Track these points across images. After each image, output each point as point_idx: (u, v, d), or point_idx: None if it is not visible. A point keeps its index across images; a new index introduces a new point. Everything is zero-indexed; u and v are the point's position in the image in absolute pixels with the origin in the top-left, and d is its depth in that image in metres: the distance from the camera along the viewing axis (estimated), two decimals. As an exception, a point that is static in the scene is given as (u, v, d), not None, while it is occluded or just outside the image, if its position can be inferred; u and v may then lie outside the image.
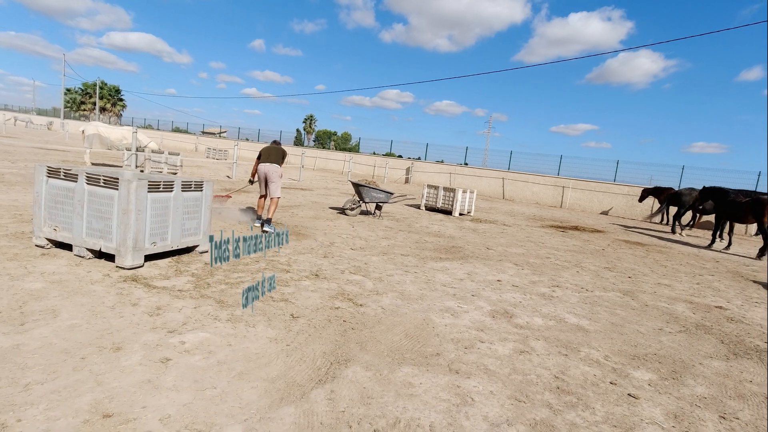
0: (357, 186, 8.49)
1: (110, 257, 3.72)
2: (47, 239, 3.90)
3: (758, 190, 14.46)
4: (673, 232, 12.35)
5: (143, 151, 11.75)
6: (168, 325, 2.67)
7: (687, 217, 14.28)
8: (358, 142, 37.49)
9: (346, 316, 3.20)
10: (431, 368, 2.53)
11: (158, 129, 45.71)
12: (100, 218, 3.62)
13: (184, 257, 4.19)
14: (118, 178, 3.53)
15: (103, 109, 56.46)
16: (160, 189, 3.80)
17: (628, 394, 2.48)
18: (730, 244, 10.05)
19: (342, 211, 8.87)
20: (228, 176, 14.13)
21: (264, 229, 5.86)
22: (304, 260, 4.66)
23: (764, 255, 8.87)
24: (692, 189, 12.68)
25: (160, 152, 12.32)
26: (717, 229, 10.36)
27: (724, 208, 9.84)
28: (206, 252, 4.44)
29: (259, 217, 6.36)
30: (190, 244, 4.25)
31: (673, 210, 14.81)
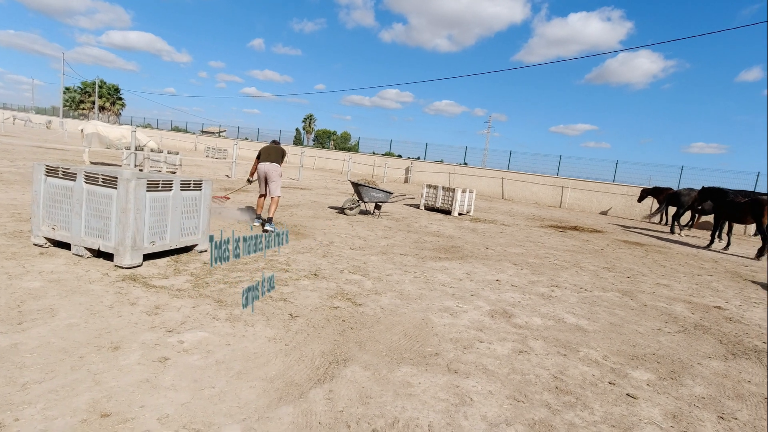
0: (356, 185, 8.49)
1: (109, 256, 3.71)
2: (46, 238, 3.90)
3: (757, 190, 14.50)
4: (672, 232, 12.37)
5: (142, 150, 11.73)
6: (166, 325, 2.66)
7: (686, 217, 14.29)
8: (358, 142, 37.51)
9: (345, 315, 3.20)
10: (430, 368, 2.53)
11: (157, 128, 45.66)
12: (99, 217, 3.62)
13: (183, 256, 4.19)
14: (116, 177, 3.53)
15: (102, 108, 56.39)
16: (159, 188, 3.79)
17: (627, 394, 2.49)
18: (728, 244, 10.06)
19: (341, 210, 8.86)
20: (227, 175, 14.12)
21: (265, 228, 5.86)
22: (303, 260, 4.66)
23: (763, 255, 8.89)
24: (691, 189, 12.70)
25: (159, 151, 12.30)
26: (716, 229, 10.37)
27: (723, 208, 9.86)
28: (205, 251, 4.43)
29: (258, 217, 6.36)
30: (189, 244, 4.24)
31: (672, 210, 14.83)
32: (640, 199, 16.41)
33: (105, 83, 57.48)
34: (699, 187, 11.49)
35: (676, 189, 14.62)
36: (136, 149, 10.96)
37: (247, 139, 36.42)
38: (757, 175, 16.74)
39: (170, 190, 3.91)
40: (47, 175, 3.83)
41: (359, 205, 8.70)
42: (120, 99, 59.52)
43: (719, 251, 9.74)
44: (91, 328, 2.51)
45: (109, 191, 3.56)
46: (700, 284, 5.87)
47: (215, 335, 2.61)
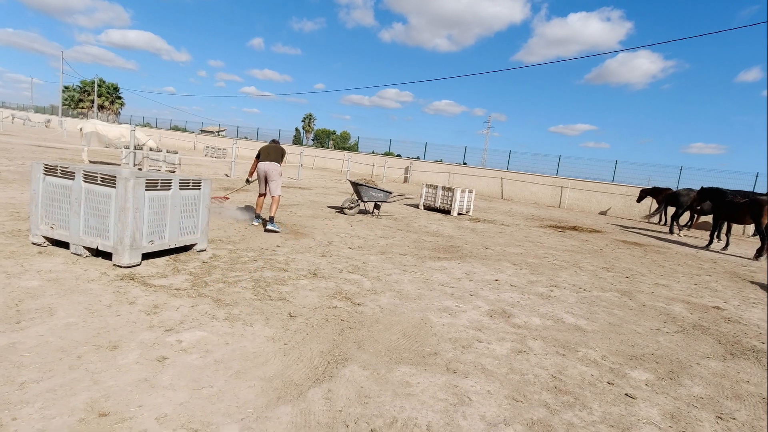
0: (355, 185, 8.49)
1: (107, 255, 3.70)
2: (44, 237, 3.89)
3: (756, 190, 14.51)
4: (671, 232, 12.38)
5: (141, 149, 11.72)
6: (165, 324, 2.66)
7: (685, 217, 14.31)
8: (357, 142, 37.47)
9: (344, 315, 3.20)
10: (429, 368, 2.52)
11: (157, 127, 45.57)
12: (98, 216, 3.61)
13: (182, 256, 4.18)
14: (115, 176, 3.52)
15: (101, 107, 56.30)
16: (158, 187, 3.78)
17: (626, 394, 2.49)
18: (727, 244, 10.07)
19: (340, 210, 8.86)
20: (226, 175, 14.10)
21: (268, 227, 5.85)
22: (302, 259, 4.66)
23: (761, 255, 8.90)
24: (690, 189, 12.71)
25: (159, 150, 12.28)
26: (715, 229, 10.38)
27: (721, 208, 9.87)
28: (204, 250, 4.43)
29: (257, 216, 6.35)
30: (188, 243, 4.24)
31: (671, 210, 14.85)
32: (639, 200, 16.43)
33: (104, 82, 57.41)
34: (698, 188, 11.50)
35: (675, 189, 14.64)
36: (135, 148, 10.94)
37: (246, 138, 36.38)
38: (756, 176, 16.78)
39: (169, 190, 3.90)
40: (46, 174, 3.82)
41: (358, 205, 8.70)
42: (119, 98, 59.45)
43: (718, 251, 9.75)
44: (89, 327, 2.50)
45: (107, 190, 3.55)
46: (699, 284, 5.87)
47: (214, 335, 2.61)
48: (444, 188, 11.07)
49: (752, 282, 6.51)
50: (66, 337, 2.36)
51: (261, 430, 1.79)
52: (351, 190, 14.06)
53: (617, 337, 3.44)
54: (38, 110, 60.66)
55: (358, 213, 8.89)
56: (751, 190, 13.97)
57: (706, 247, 10.08)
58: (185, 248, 4.32)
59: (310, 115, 67.82)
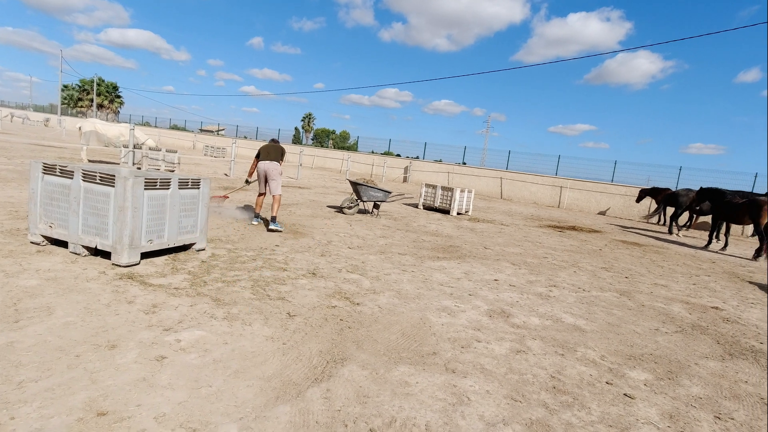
0: (355, 185, 8.48)
1: (106, 254, 3.70)
2: (43, 236, 3.88)
3: (755, 191, 14.52)
4: (670, 232, 12.39)
5: (140, 148, 11.70)
6: (164, 323, 2.66)
7: (684, 217, 14.32)
8: (357, 141, 37.47)
9: (343, 314, 3.20)
10: (428, 367, 2.52)
11: (156, 126, 45.52)
12: (96, 215, 3.60)
13: (181, 255, 4.18)
14: (114, 175, 3.52)
15: (100, 106, 56.21)
16: (157, 186, 3.78)
17: (624, 394, 2.49)
18: (726, 245, 10.09)
19: (340, 209, 8.86)
20: (226, 174, 14.09)
21: (271, 227, 5.85)
22: (301, 258, 4.65)
23: (760, 256, 8.91)
24: (689, 190, 12.73)
25: (158, 149, 12.26)
26: (713, 230, 10.39)
27: (720, 209, 9.88)
28: (203, 250, 4.42)
29: (257, 215, 6.35)
30: (187, 242, 4.23)
31: (670, 211, 14.86)
32: (638, 200, 16.45)
33: (103, 81, 57.28)
34: (697, 188, 11.51)
35: (674, 189, 14.65)
36: (135, 147, 10.93)
37: (246, 137, 36.36)
38: (755, 176, 16.81)
39: (168, 189, 3.90)
40: (44, 173, 3.82)
41: (358, 204, 8.69)
42: (118, 97, 59.33)
43: (717, 252, 9.76)
44: (87, 326, 2.50)
45: (106, 189, 3.55)
46: (698, 284, 5.88)
47: (213, 334, 2.60)
48: (443, 188, 11.07)
49: (751, 282, 6.52)
50: (64, 336, 2.35)
51: (260, 430, 1.79)
52: (350, 189, 14.06)
53: (616, 337, 3.45)
54: (37, 109, 60.54)
55: (358, 212, 8.88)
56: (750, 191, 13.99)
57: (705, 248, 10.10)
58: (184, 247, 4.32)
59: (310, 115, 67.84)
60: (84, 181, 3.64)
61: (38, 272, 3.25)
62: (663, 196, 14.00)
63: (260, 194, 6.35)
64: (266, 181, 6.19)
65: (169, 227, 3.95)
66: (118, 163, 12.12)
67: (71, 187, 3.69)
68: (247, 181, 6.75)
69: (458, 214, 10.95)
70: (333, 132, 68.99)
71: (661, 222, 15.61)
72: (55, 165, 3.78)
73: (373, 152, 30.71)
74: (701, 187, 10.87)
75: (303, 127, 67.21)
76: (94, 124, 11.84)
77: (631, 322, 3.88)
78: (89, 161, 11.51)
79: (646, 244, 9.70)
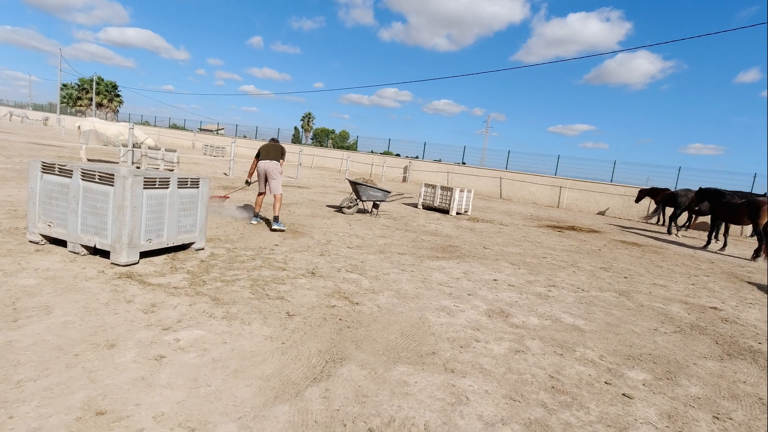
0: (354, 184, 8.48)
1: (105, 254, 3.69)
2: (41, 235, 3.87)
3: (754, 191, 14.55)
4: (669, 232, 12.41)
5: (140, 147, 11.69)
6: (163, 323, 2.65)
7: (683, 218, 14.34)
8: (356, 141, 37.46)
9: (342, 314, 3.20)
10: (427, 367, 2.52)
11: (155, 125, 45.47)
12: (95, 214, 3.60)
13: (180, 254, 4.17)
14: (113, 174, 3.51)
15: (99, 105, 56.12)
16: (156, 185, 3.77)
17: (623, 394, 2.49)
18: (725, 245, 10.10)
19: (339, 209, 8.85)
20: (225, 173, 14.08)
21: (274, 227, 5.86)
22: (300, 258, 4.65)
23: (759, 256, 8.92)
24: (688, 190, 12.74)
25: (157, 149, 12.25)
26: (712, 230, 10.41)
27: (719, 209, 9.90)
28: (202, 249, 4.42)
29: (256, 215, 6.34)
30: (186, 242, 4.23)
31: (669, 211, 14.87)
32: (637, 200, 16.46)
33: (102, 80, 57.19)
34: (696, 188, 11.53)
35: (673, 190, 14.67)
36: (134, 146, 10.91)
37: (245, 137, 36.34)
38: (754, 176, 16.84)
39: (167, 188, 3.89)
40: (43, 172, 3.81)
41: (357, 204, 8.69)
42: (118, 96, 59.25)
43: (716, 252, 9.78)
44: (86, 325, 2.49)
45: (105, 188, 3.54)
46: (697, 285, 5.89)
47: (211, 333, 2.60)
48: (443, 188, 11.07)
49: (750, 282, 6.53)
50: (63, 335, 2.35)
51: (258, 429, 1.79)
52: (350, 189, 14.05)
53: (615, 337, 3.45)
54: (36, 108, 60.38)
55: (357, 212, 8.88)
56: (749, 191, 14.01)
57: (704, 248, 10.11)
58: (183, 247, 4.32)
59: (309, 114, 67.76)
60: (83, 180, 3.63)
61: (37, 271, 3.25)
62: (662, 197, 14.02)
63: (260, 194, 6.34)
64: (266, 180, 6.19)
65: (168, 226, 3.95)
66: (117, 162, 12.10)
67: (70, 186, 3.68)
68: (247, 182, 6.74)
69: (457, 213, 10.95)
70: (332, 131, 68.97)
71: (661, 222, 15.63)
72: (54, 164, 3.77)
73: (372, 152, 30.71)
74: (700, 188, 10.89)
75: (302, 127, 67.17)
76: (94, 123, 11.83)
77: (629, 322, 3.88)
78: (88, 160, 11.49)
79: (645, 245, 9.71)
